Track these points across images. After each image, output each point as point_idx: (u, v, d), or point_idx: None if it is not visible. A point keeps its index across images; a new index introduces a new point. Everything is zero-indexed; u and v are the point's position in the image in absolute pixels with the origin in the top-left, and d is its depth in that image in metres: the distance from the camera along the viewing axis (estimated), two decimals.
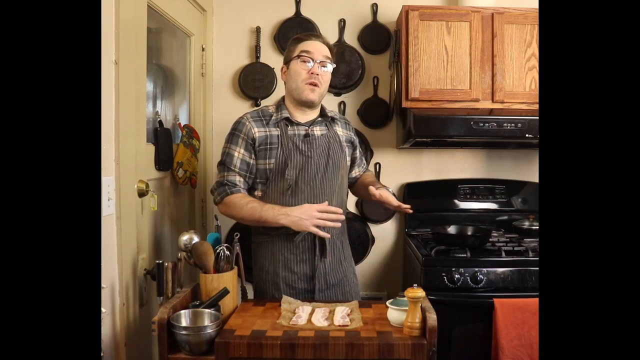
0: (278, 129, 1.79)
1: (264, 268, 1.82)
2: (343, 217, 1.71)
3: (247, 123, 1.80)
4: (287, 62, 1.85)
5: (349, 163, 1.94)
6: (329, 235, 1.70)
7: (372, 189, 1.76)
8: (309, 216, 1.65)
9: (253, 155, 1.78)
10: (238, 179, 1.78)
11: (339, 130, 1.91)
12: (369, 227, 2.64)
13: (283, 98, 1.89)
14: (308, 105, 1.81)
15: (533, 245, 2.14)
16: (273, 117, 1.81)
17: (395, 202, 1.79)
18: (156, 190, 1.83)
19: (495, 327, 1.93)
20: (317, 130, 1.84)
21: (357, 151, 2.01)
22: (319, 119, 1.86)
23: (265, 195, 1.79)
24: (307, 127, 1.82)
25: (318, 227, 1.66)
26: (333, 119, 1.90)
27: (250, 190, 1.83)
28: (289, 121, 1.81)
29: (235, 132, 1.81)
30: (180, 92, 2.34)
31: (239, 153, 1.78)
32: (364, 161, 2.10)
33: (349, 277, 1.89)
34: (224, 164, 1.80)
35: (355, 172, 2.04)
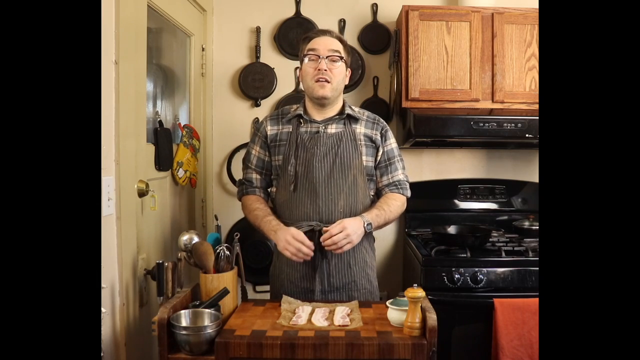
0: (290, 126, 1.82)
1: (274, 264, 1.89)
2: (309, 255, 1.64)
3: (264, 122, 1.88)
4: (301, 63, 1.85)
5: (368, 163, 1.81)
6: (300, 260, 1.66)
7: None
8: (285, 241, 1.65)
9: (267, 153, 1.85)
10: (255, 177, 1.88)
11: (359, 128, 1.82)
12: None
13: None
14: (322, 101, 1.79)
15: (533, 245, 2.14)
16: (289, 115, 1.84)
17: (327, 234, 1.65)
18: (156, 190, 1.83)
19: (495, 327, 1.93)
20: (332, 128, 1.81)
21: (381, 154, 1.84)
22: (337, 116, 1.82)
23: (277, 191, 1.84)
24: (320, 125, 1.81)
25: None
26: (354, 118, 1.82)
27: (269, 187, 1.90)
28: (302, 118, 1.81)
29: (255, 131, 1.92)
30: (180, 92, 2.34)
31: (256, 151, 1.88)
32: (396, 173, 1.85)
33: (359, 283, 1.79)
34: (245, 162, 1.91)
35: (379, 182, 1.86)
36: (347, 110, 1.82)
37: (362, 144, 1.81)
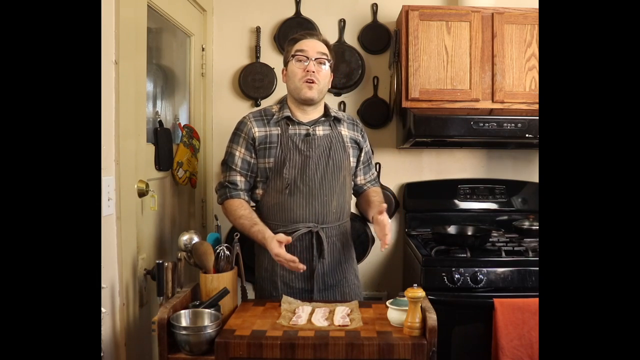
0: (279, 128, 1.80)
1: (263, 266, 1.85)
2: (301, 268, 1.62)
3: (249, 123, 1.83)
4: (285, 64, 1.86)
5: (353, 164, 1.90)
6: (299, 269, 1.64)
7: (377, 217, 1.71)
8: (275, 255, 1.64)
9: (253, 155, 1.81)
10: (239, 179, 1.83)
11: (344, 130, 1.88)
12: (369, 227, 2.64)
13: (287, 97, 1.89)
14: (308, 103, 1.81)
15: (533, 245, 2.14)
16: (275, 116, 1.82)
17: (382, 233, 1.68)
18: (156, 190, 1.83)
19: (495, 327, 1.93)
20: (320, 130, 1.83)
21: (363, 154, 1.94)
22: (322, 118, 1.85)
23: (266, 194, 1.81)
24: (308, 127, 1.82)
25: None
26: (338, 119, 1.88)
27: (252, 189, 1.86)
28: (291, 120, 1.81)
29: (237, 132, 1.85)
30: (180, 92, 2.34)
31: (240, 152, 1.82)
32: (373, 170, 2.03)
33: (349, 279, 1.87)
34: (227, 164, 1.84)
35: (361, 179, 1.97)
36: (333, 113, 1.87)
37: (349, 146, 1.87)
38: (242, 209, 1.79)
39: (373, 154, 2.18)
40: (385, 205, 1.72)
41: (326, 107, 1.88)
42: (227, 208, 1.82)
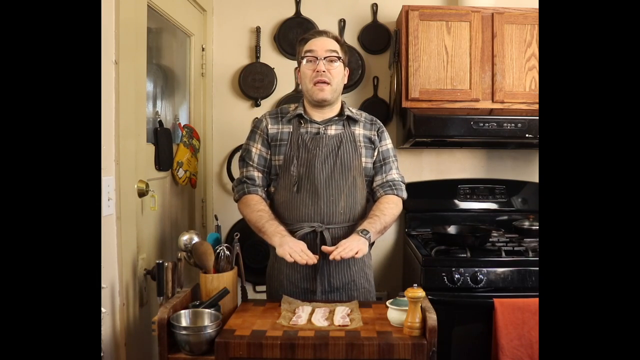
0: (291, 126, 1.81)
1: (272, 265, 1.86)
2: (313, 261, 1.60)
3: (264, 120, 1.85)
4: (298, 65, 1.85)
5: (367, 164, 1.82)
6: (292, 260, 1.61)
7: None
8: (291, 249, 1.61)
9: (269, 151, 1.82)
10: (257, 175, 1.82)
11: (358, 129, 1.83)
12: None
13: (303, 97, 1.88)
14: (321, 104, 1.79)
15: (533, 245, 2.14)
16: (288, 114, 1.83)
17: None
18: (156, 190, 1.83)
19: (495, 327, 1.93)
20: (332, 130, 1.81)
21: (377, 153, 1.85)
22: (336, 118, 1.83)
23: (276, 191, 1.82)
24: (320, 126, 1.80)
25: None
26: (352, 119, 1.83)
27: (269, 187, 1.86)
28: (303, 118, 1.81)
29: (254, 129, 1.86)
30: (180, 92, 2.34)
31: (257, 149, 1.83)
32: (391, 172, 1.86)
33: (358, 283, 1.81)
34: (244, 160, 1.85)
35: (377, 180, 1.86)
36: (347, 112, 1.83)
37: (361, 146, 1.82)
38: (262, 204, 1.78)
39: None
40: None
41: (342, 107, 1.85)
42: (245, 202, 1.79)
